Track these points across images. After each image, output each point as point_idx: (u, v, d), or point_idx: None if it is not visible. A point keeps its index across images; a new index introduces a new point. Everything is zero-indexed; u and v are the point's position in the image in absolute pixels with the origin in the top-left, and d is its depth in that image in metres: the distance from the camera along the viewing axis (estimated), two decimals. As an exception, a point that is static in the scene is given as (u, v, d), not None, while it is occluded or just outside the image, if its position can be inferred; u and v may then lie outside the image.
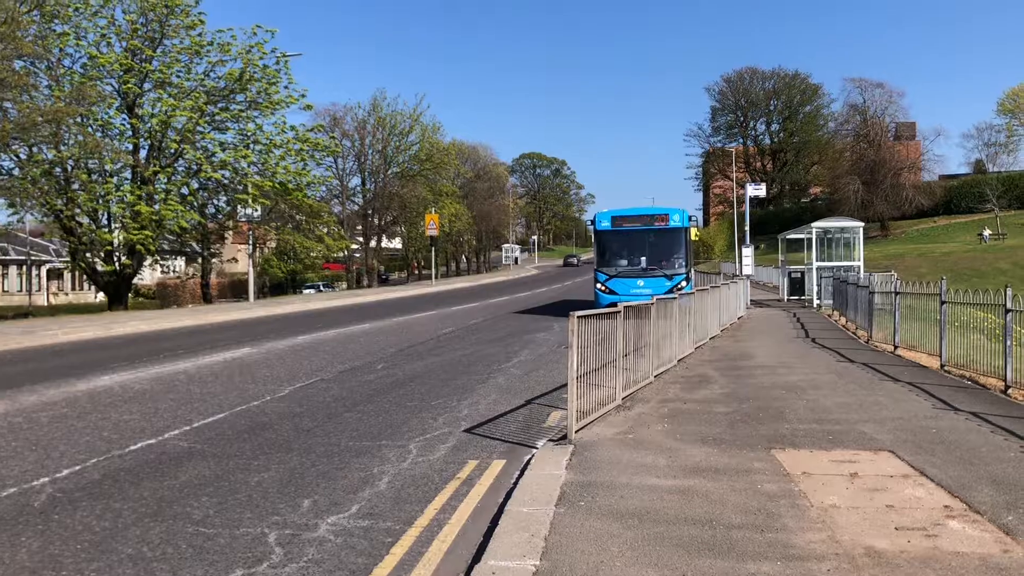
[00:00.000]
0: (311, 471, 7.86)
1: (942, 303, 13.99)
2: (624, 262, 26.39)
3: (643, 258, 25.99)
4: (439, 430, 9.67)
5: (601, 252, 26.95)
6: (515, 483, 7.23)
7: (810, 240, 32.54)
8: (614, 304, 24.07)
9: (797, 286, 35.14)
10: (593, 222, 27.31)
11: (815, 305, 30.99)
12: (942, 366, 13.78)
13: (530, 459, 8.00)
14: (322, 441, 9.11)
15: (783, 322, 25.07)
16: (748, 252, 35.78)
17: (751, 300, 32.38)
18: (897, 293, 16.94)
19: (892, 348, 16.79)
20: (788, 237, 38.53)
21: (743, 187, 45.36)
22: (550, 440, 8.82)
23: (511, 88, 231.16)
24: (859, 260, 30.22)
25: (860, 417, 9.68)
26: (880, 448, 8.12)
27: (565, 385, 8.97)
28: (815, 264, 31.75)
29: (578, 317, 8.86)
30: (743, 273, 33.71)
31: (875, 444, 8.29)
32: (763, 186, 47.50)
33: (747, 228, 39.51)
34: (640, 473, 7.30)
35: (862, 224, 32.35)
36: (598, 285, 26.44)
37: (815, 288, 31.51)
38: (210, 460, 8.27)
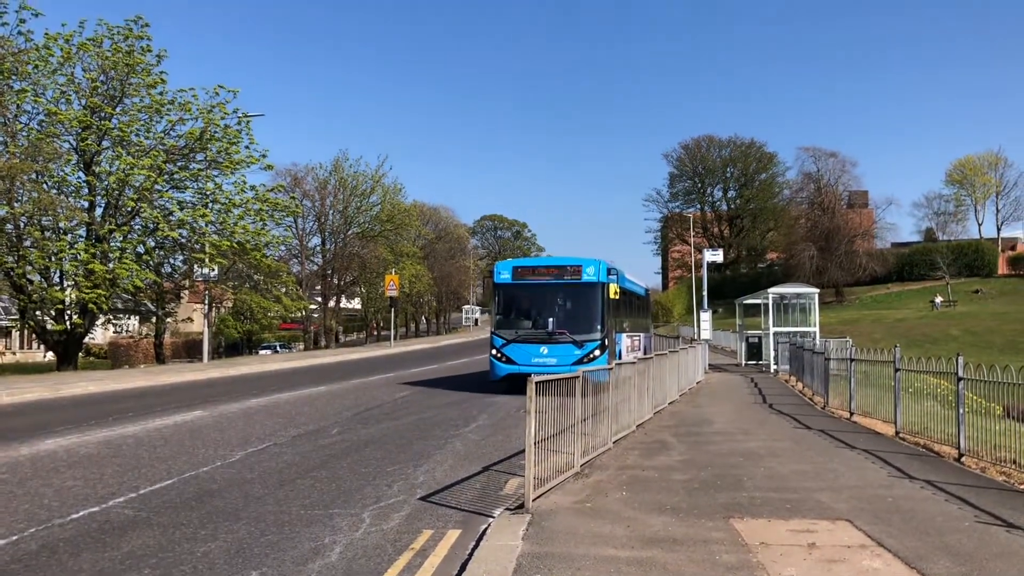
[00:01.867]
0: (260, 541, 7.61)
1: (896, 370, 14.16)
2: (527, 323, 22.19)
3: (550, 319, 21.66)
4: (394, 498, 9.46)
5: (500, 310, 22.67)
6: (470, 554, 7.06)
7: (767, 305, 32.98)
8: (513, 377, 21.16)
9: (755, 351, 35.48)
10: (491, 274, 23.26)
11: (772, 370, 31.24)
12: (897, 433, 13.88)
13: (486, 529, 7.83)
14: (272, 509, 8.85)
15: (741, 387, 25.18)
16: (706, 316, 36.14)
17: (709, 364, 32.58)
18: (852, 360, 17.12)
19: (848, 414, 16.90)
20: (745, 302, 39.01)
21: (701, 252, 46.02)
22: (507, 509, 8.65)
23: (474, 151, 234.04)
24: (815, 326, 30.63)
25: (817, 485, 9.66)
26: (837, 517, 8.09)
27: (523, 451, 8.84)
28: (772, 329, 32.12)
29: (536, 382, 8.80)
30: (701, 337, 33.95)
31: (832, 513, 8.26)
32: (720, 251, 48.27)
33: (705, 293, 39.94)
34: (598, 544, 7.17)
35: (817, 290, 32.89)
36: (493, 352, 22.11)
37: (772, 353, 31.83)
38: (155, 529, 7.98)
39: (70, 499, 9.22)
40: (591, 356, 20.92)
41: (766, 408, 18.89)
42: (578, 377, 13.13)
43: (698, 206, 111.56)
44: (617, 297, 22.11)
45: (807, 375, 23.21)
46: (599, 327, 21.45)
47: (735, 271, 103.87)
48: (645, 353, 26.76)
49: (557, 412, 9.93)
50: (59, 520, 8.31)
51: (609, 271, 21.98)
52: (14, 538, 7.65)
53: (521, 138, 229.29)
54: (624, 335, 25.67)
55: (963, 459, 11.37)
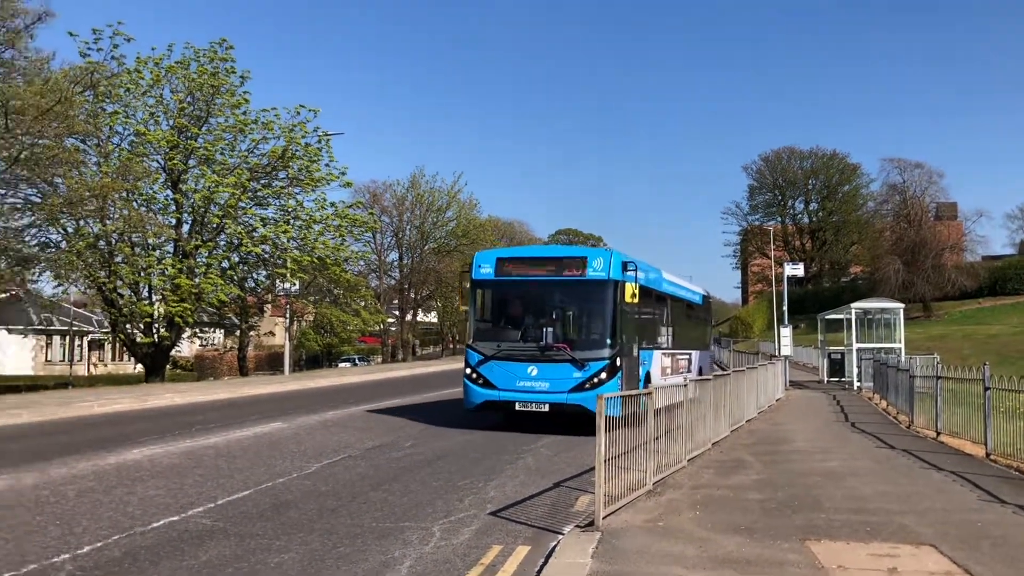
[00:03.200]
0: (332, 553, 7.70)
1: (986, 388, 13.61)
2: (513, 335, 17.09)
3: (542, 330, 16.56)
4: (464, 512, 9.48)
5: (479, 316, 17.72)
6: (539, 571, 7.02)
7: (849, 320, 32.12)
8: (492, 405, 16.85)
9: (837, 367, 34.56)
10: (468, 269, 18.22)
11: (855, 387, 30.40)
12: (987, 455, 13.32)
13: (555, 546, 7.78)
14: (345, 521, 8.95)
15: (822, 405, 24.55)
16: (786, 332, 35.36)
17: (790, 381, 31.86)
18: (939, 377, 16.53)
19: (934, 434, 16.31)
20: (827, 317, 38.07)
21: (781, 266, 45.08)
22: (577, 526, 8.59)
23: (548, 166, 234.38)
24: (900, 342, 29.70)
25: (900, 508, 9.33)
26: (921, 542, 7.79)
27: (595, 468, 8.76)
28: (855, 345, 31.27)
29: (606, 399, 8.73)
30: (781, 353, 33.23)
31: (916, 537, 7.96)
32: (801, 265, 47.26)
33: (785, 308, 39.11)
34: (668, 563, 7.05)
35: (903, 305, 31.92)
36: (467, 371, 17.10)
37: (855, 370, 30.96)
38: (231, 539, 8.15)
39: (152, 508, 9.48)
40: (595, 381, 15.95)
41: (848, 426, 18.36)
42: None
43: (779, 219, 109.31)
44: (635, 301, 16.70)
45: (891, 393, 22.49)
46: (609, 341, 16.34)
47: (817, 285, 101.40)
48: (700, 374, 23.05)
49: (629, 430, 9.83)
50: (141, 528, 8.55)
51: (626, 266, 16.76)
52: (99, 544, 7.89)
53: (597, 153, 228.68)
54: (658, 352, 20.45)
55: (1058, 483, 10.84)
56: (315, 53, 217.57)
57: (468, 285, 17.89)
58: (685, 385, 12.78)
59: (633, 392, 12.09)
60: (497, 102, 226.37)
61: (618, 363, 16.33)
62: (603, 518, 8.44)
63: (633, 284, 16.59)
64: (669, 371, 21.26)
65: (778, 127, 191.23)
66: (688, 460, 12.49)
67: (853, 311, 31.71)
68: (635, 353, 17.90)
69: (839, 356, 34.75)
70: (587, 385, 15.95)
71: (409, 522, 8.96)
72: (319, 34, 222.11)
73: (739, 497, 10.01)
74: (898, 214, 79.43)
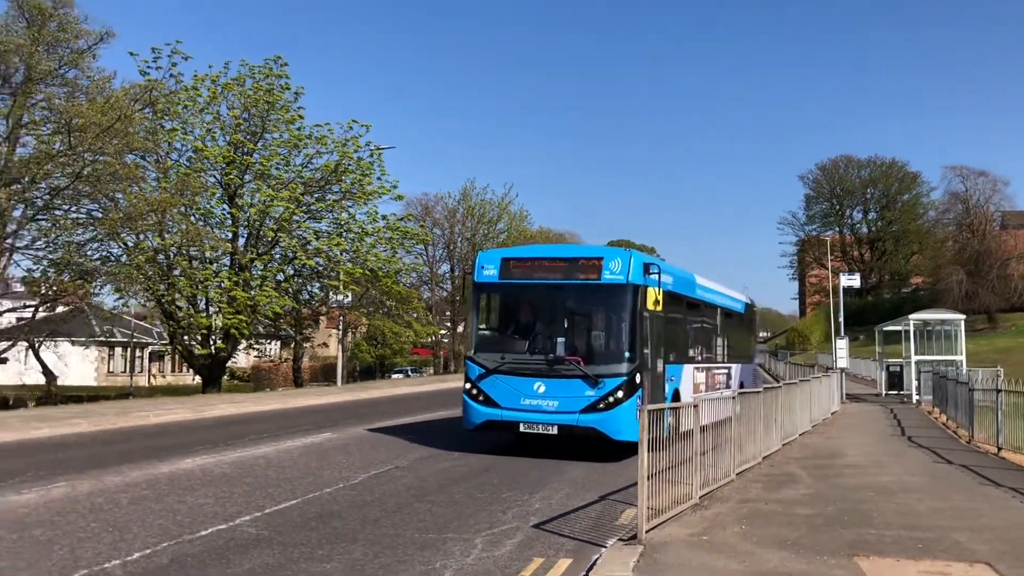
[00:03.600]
0: (373, 563, 7.74)
1: (1048, 403, 13.17)
2: (519, 345, 15.40)
3: (552, 341, 14.77)
4: (507, 524, 9.46)
5: (481, 324, 16.09)
6: (578, 584, 6.97)
7: (908, 332, 31.39)
8: (494, 426, 15.04)
9: (895, 380, 33.78)
10: (471, 271, 16.45)
11: (914, 401, 29.67)
12: (1050, 470, 12.88)
13: (597, 559, 7.72)
14: (388, 532, 9.00)
15: (879, 418, 24.02)
16: (843, 344, 34.62)
17: (846, 394, 31.24)
18: (1000, 391, 16.05)
19: (995, 449, 15.82)
20: (886, 329, 37.25)
21: (838, 276, 44.24)
22: (619, 539, 8.51)
23: (599, 174, 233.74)
24: (961, 354, 28.89)
25: (955, 524, 9.07)
26: (976, 560, 7.56)
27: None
28: (914, 358, 30.53)
29: (649, 411, 8.65)
30: (837, 366, 32.57)
31: (970, 555, 7.73)
32: (857, 276, 46.23)
33: (841, 319, 38.30)
34: (710, 579, 6.95)
35: (963, 316, 31.05)
36: (467, 386, 15.35)
37: (914, 383, 30.22)
38: (276, 548, 8.24)
39: (201, 516, 9.64)
40: (610, 400, 14.13)
41: (904, 441, 17.92)
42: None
43: (836, 229, 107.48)
44: (659, 308, 15.17)
45: (950, 407, 21.88)
46: (627, 355, 14.42)
47: (877, 296, 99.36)
48: (742, 387, 21.36)
49: (675, 442, 9.73)
50: (189, 536, 8.69)
51: (647, 268, 14.95)
52: (148, 551, 8.05)
53: (650, 163, 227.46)
54: (689, 367, 18.34)
55: (1125, 501, 10.44)
56: (367, 67, 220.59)
57: (469, 289, 16.26)
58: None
59: (660, 406, 11.69)
60: (550, 114, 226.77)
61: (638, 380, 14.38)
62: (646, 531, 8.35)
63: (656, 289, 14.97)
64: (704, 387, 19.24)
65: (833, 135, 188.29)
66: (737, 474, 12.29)
67: (912, 322, 30.98)
68: (660, 368, 15.96)
69: (898, 369, 33.96)
70: (601, 405, 14.12)
71: (452, 533, 8.97)
72: (371, 49, 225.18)
73: (787, 511, 9.82)
74: (961, 223, 77.58)
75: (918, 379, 29.84)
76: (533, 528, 9.27)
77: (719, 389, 20.32)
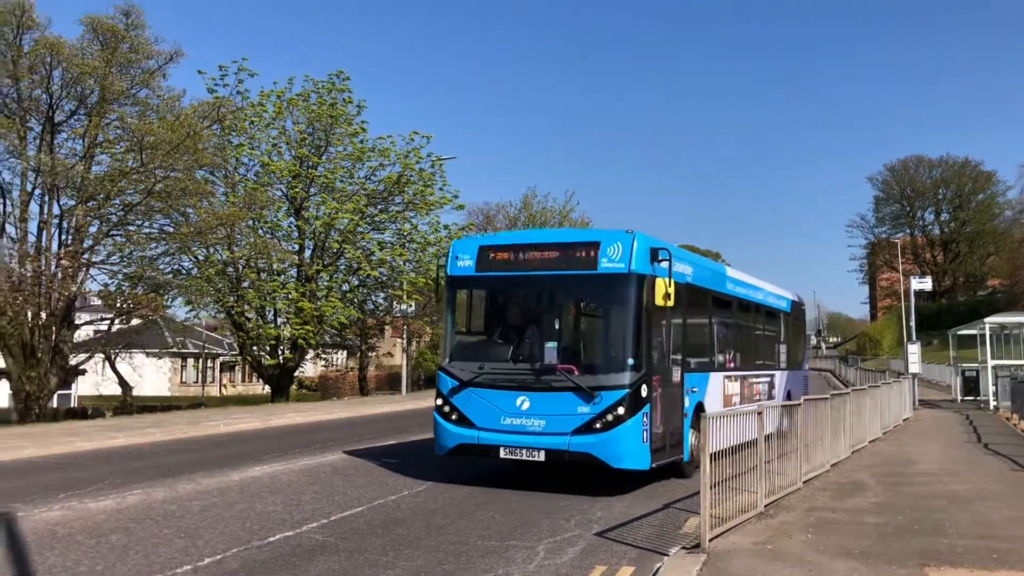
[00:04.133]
0: (436, 570, 7.83)
1: None
2: (499, 352, 12.90)
3: (538, 346, 12.44)
4: (569, 532, 9.47)
5: (454, 326, 13.72)
6: (640, 593, 6.94)
7: (984, 336, 30.47)
8: (465, 449, 12.47)
9: (971, 386, 32.81)
10: (443, 264, 13.92)
11: (991, 407, 28.77)
12: None
13: (660, 567, 7.68)
14: (452, 539, 9.08)
15: (952, 425, 23.35)
16: (914, 349, 33.74)
17: (919, 400, 30.47)
18: (1080, 396, 15.49)
19: (1077, 457, 15.27)
20: (960, 333, 36.24)
21: (910, 280, 43.18)
22: (683, 548, 8.45)
23: (660, 180, 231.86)
24: (1040, 358, 27.94)
25: (1032, 534, 8.78)
26: (1053, 571, 7.31)
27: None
28: (990, 362, 29.62)
29: (712, 419, 8.59)
30: (909, 371, 31.75)
31: (1048, 566, 7.48)
32: (929, 279, 45.18)
33: (912, 323, 37.37)
34: (775, 588, 6.86)
35: (1042, 319, 30.02)
36: (438, 403, 13.04)
37: (991, 388, 29.31)
38: (341, 555, 8.38)
39: (269, 523, 9.85)
40: (608, 419, 11.54)
41: (979, 448, 17.39)
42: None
43: (907, 231, 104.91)
44: (671, 304, 12.26)
45: (1030, 412, 21.19)
46: (631, 361, 11.79)
47: (951, 300, 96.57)
48: (789, 398, 18.70)
49: (740, 450, 9.63)
50: (258, 542, 8.90)
51: (656, 255, 12.24)
52: (218, 557, 8.26)
53: (711, 166, 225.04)
54: (717, 376, 15.55)
55: None
56: (427, 79, 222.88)
57: (442, 285, 13.75)
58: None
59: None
60: (615, 123, 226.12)
61: (644, 392, 11.76)
62: (709, 540, 8.28)
63: (667, 280, 12.11)
64: (737, 399, 16.57)
65: (901, 135, 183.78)
66: (804, 482, 12.09)
67: (988, 326, 30.07)
68: (676, 377, 13.17)
69: (973, 374, 33.00)
70: (598, 424, 11.58)
71: (514, 540, 9.01)
72: (430, 61, 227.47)
73: (855, 520, 9.63)
74: (1039, 223, 75.04)
75: (995, 384, 28.94)
76: (595, 536, 9.26)
77: (759, 400, 17.67)
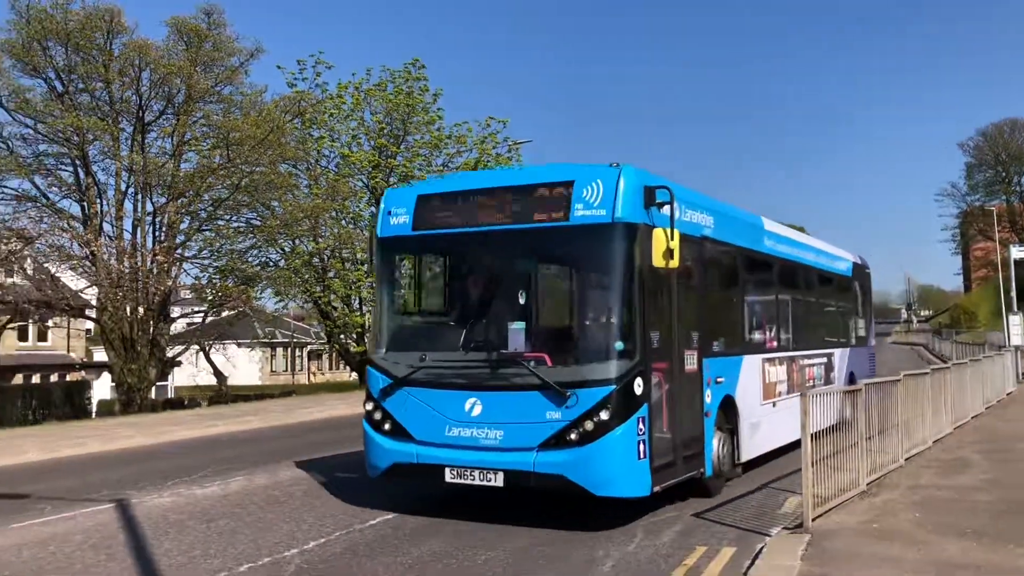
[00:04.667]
0: (536, 551, 7.88)
1: None
2: (445, 337, 10.30)
3: (493, 328, 9.49)
4: (667, 513, 9.40)
5: (387, 307, 10.63)
6: (745, 573, 6.87)
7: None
8: (400, 470, 9.41)
9: (1079, 357, 31.38)
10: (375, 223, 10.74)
11: (1101, 378, 27.49)
12: None
13: (762, 547, 7.57)
14: (553, 521, 9.09)
15: (1060, 398, 22.39)
16: (1016, 320, 32.49)
17: (1022, 373, 29.27)
18: None
19: None
20: (1064, 302, 34.71)
21: (1007, 248, 41.47)
22: (784, 528, 8.32)
23: (746, 156, 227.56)
24: None
25: None
26: None
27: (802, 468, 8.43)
28: (1098, 332, 28.29)
29: (811, 396, 8.41)
30: (1011, 343, 30.55)
31: None
32: (1029, 246, 43.19)
33: (1013, 294, 35.92)
34: (884, 567, 6.69)
35: None
36: (367, 407, 9.79)
37: (1100, 359, 28.01)
38: (442, 536, 8.49)
39: (369, 506, 10.02)
40: (589, 428, 8.47)
41: (1092, 422, 16.66)
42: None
43: (1003, 198, 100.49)
44: (675, 264, 8.86)
45: None
46: (620, 346, 8.71)
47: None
48: (852, 381, 15.85)
49: (838, 428, 9.42)
50: (359, 525, 9.09)
51: (651, 195, 9.13)
52: (322, 540, 8.48)
53: (801, 139, 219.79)
54: (753, 359, 12.07)
55: None
56: (502, 61, 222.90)
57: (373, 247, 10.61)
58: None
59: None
60: (688, 96, 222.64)
61: (638, 388, 8.57)
62: (812, 519, 8.12)
63: (668, 232, 8.71)
64: (784, 387, 13.10)
65: (991, 98, 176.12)
66: (905, 459, 11.76)
67: (1094, 294, 28.72)
68: (689, 364, 9.81)
69: (1080, 344, 31.58)
70: (572, 435, 8.42)
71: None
72: (505, 46, 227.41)
73: (964, 498, 9.33)
74: None
75: (1104, 355, 27.65)
76: (693, 517, 9.17)
77: (809, 384, 14.30)
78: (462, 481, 8.97)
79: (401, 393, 9.43)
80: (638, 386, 8.62)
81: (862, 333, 19.06)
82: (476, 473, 8.86)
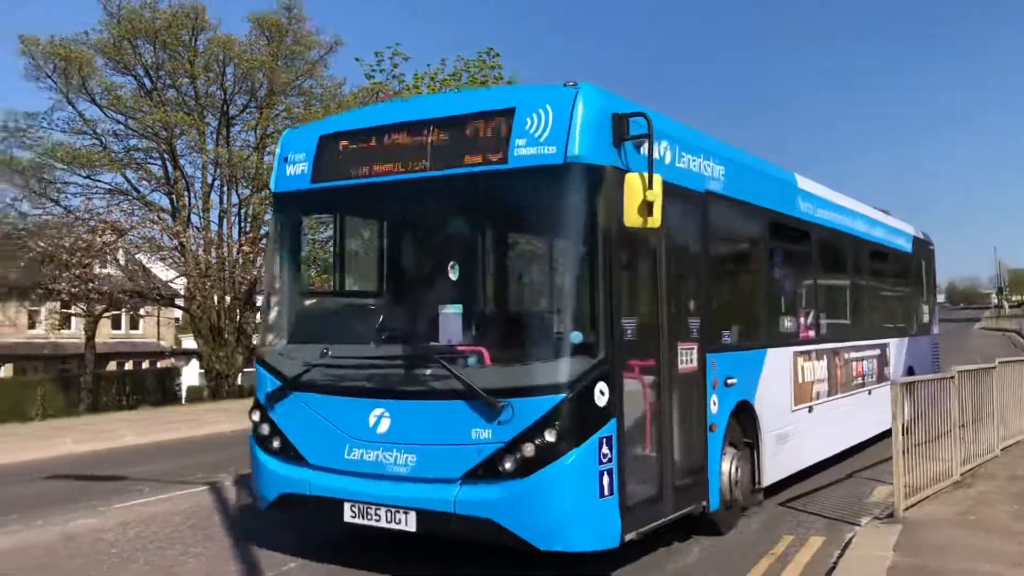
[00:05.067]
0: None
1: None
2: (351, 325, 7.87)
3: (411, 311, 7.37)
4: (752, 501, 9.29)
5: (281, 282, 7.89)
6: (835, 563, 6.77)
7: None
8: (290, 501, 7.01)
9: None
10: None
11: None
12: None
13: (852, 537, 7.44)
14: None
15: None
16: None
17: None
18: None
19: None
20: None
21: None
22: (875, 518, 8.15)
23: (807, 139, 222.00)
24: None
25: None
26: None
27: (891, 458, 8.24)
28: None
29: (902, 384, 8.22)
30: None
31: None
32: None
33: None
34: (982, 559, 6.52)
35: None
36: (254, 418, 7.18)
37: None
38: None
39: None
40: (530, 454, 5.90)
41: None
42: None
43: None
44: (653, 222, 6.19)
45: None
46: (573, 337, 6.08)
47: None
48: (911, 373, 13.67)
49: (930, 416, 9.17)
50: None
51: (621, 127, 6.45)
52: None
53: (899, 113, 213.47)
54: (779, 353, 9.31)
55: None
56: (578, 42, 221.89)
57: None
58: None
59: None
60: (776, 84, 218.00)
61: (600, 397, 6.09)
62: (904, 510, 7.94)
63: (644, 179, 6.18)
64: (823, 387, 10.51)
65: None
66: (1002, 449, 11.37)
67: None
68: (683, 361, 7.27)
69: None
70: (506, 464, 6.00)
71: (695, 510, 8.94)
72: (581, 29, 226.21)
73: (1067, 490, 9.00)
74: None
75: None
76: (779, 506, 9.06)
77: (864, 385, 12.01)
78: (364, 522, 6.55)
79: (292, 400, 7.01)
80: (601, 393, 6.07)
81: (925, 319, 16.25)
82: (382, 512, 6.46)
